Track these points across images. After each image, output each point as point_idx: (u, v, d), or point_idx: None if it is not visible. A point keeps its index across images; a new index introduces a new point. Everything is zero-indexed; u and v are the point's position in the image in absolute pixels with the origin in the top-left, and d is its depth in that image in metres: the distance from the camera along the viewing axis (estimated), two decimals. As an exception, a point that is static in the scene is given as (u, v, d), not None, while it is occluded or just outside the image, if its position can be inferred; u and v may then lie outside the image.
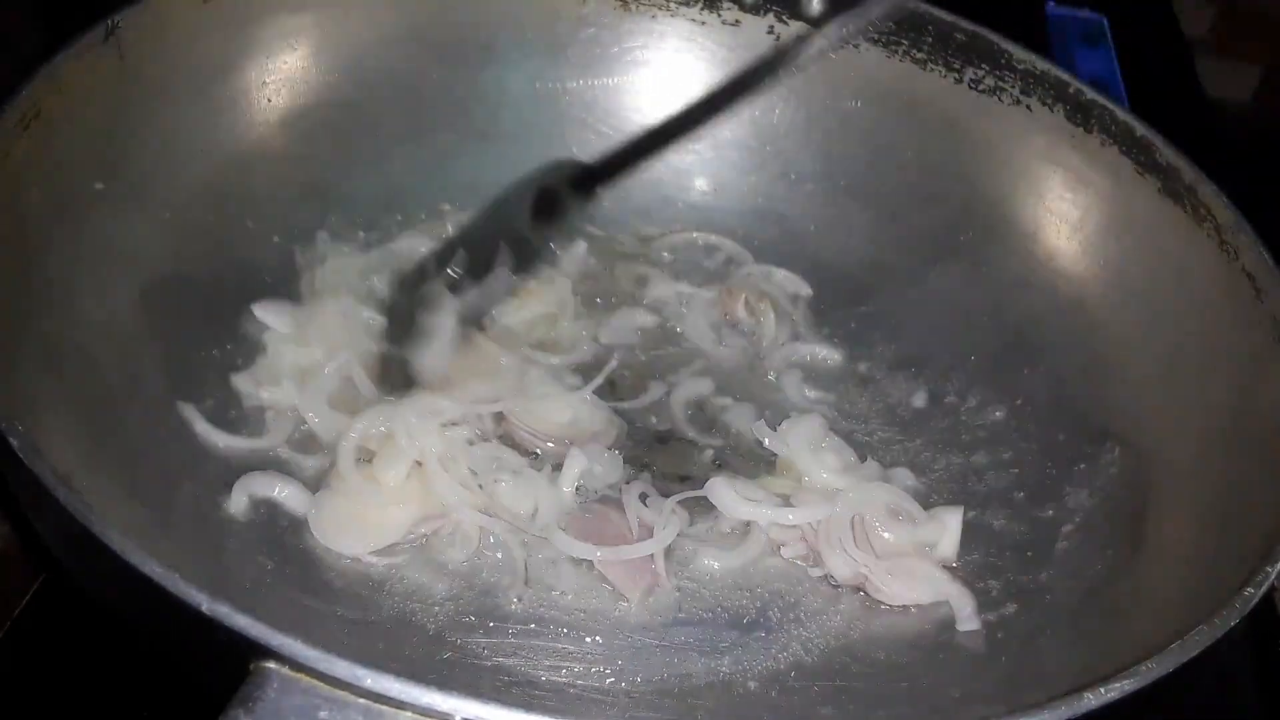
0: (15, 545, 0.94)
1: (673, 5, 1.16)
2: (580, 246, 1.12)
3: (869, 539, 0.90)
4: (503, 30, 1.14)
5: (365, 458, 0.89)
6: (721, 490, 0.92)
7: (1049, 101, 1.07)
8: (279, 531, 0.86)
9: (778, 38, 1.15)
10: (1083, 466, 0.96)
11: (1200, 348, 0.95)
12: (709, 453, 0.99)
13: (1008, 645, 0.86)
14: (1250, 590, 0.70)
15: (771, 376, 1.07)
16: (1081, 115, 1.05)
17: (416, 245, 1.05)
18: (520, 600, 0.86)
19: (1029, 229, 1.09)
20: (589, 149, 1.17)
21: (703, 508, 0.93)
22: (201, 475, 0.87)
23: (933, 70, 1.11)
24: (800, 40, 0.84)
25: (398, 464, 0.88)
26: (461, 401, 0.93)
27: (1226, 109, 2.02)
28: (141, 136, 0.93)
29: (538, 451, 0.95)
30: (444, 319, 0.92)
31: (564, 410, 0.97)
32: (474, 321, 0.95)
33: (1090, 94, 1.05)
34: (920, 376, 1.07)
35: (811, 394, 1.06)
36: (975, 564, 0.93)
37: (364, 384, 0.93)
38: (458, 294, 0.92)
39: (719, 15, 1.16)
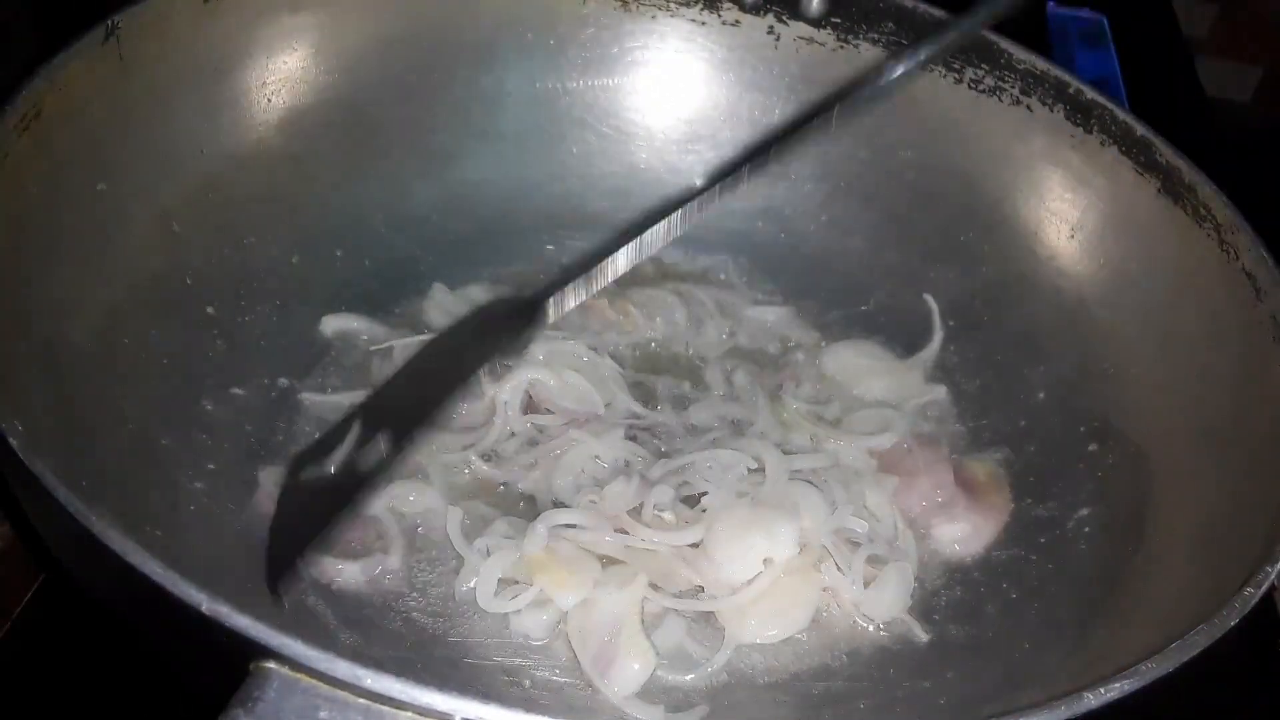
0: (15, 545, 0.94)
1: (673, 5, 1.16)
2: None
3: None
4: (503, 30, 1.13)
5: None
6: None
7: (1049, 101, 1.07)
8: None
9: (777, 38, 1.15)
10: (1083, 466, 0.96)
11: (1200, 347, 0.94)
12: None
13: (1008, 645, 0.86)
14: (1250, 590, 0.69)
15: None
16: (1081, 115, 1.05)
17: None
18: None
19: (1029, 229, 1.09)
20: (589, 149, 1.17)
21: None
22: (201, 474, 0.87)
23: (933, 70, 1.11)
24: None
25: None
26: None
27: (1226, 109, 2.02)
28: (141, 136, 0.93)
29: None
30: None
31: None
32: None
33: (1090, 94, 1.05)
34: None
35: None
36: (975, 563, 0.93)
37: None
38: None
39: (719, 15, 1.16)
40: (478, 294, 1.07)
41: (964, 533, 0.94)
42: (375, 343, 1.01)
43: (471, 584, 0.86)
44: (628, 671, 0.82)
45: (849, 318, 1.12)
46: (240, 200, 1.01)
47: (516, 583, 0.86)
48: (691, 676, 0.84)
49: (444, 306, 1.06)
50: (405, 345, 1.00)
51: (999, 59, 1.09)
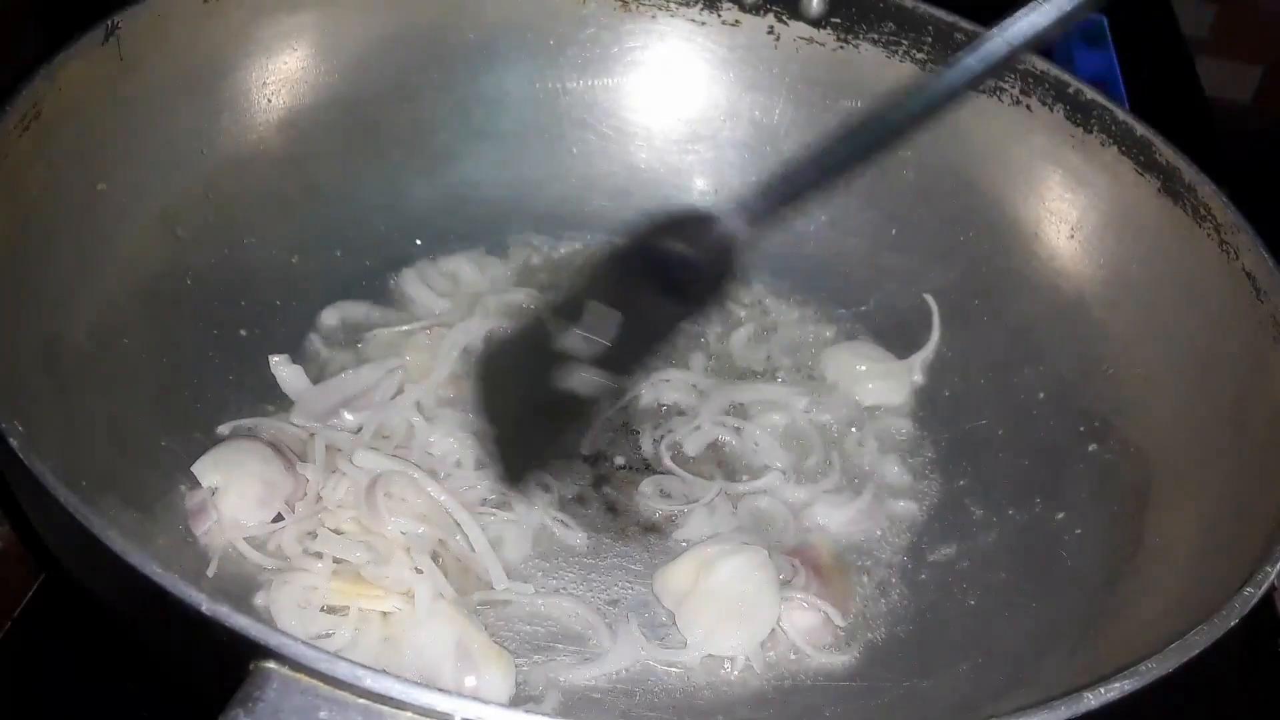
0: (15, 545, 0.94)
1: (673, 5, 1.16)
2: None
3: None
4: (503, 30, 1.13)
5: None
6: None
7: (1049, 101, 1.07)
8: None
9: (777, 38, 1.15)
10: (1083, 467, 0.96)
11: (1200, 348, 0.94)
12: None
13: (1007, 645, 0.86)
14: (1250, 590, 0.69)
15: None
16: (1081, 115, 1.05)
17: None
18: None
19: (1029, 229, 1.09)
20: (589, 149, 1.17)
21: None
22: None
23: (932, 70, 1.11)
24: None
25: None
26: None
27: (1226, 109, 2.02)
28: (142, 136, 0.93)
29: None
30: None
31: None
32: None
33: (1090, 94, 1.05)
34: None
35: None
36: (975, 564, 0.93)
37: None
38: None
39: (719, 15, 1.16)
40: (461, 266, 1.09)
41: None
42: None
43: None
44: None
45: (849, 317, 1.12)
46: (240, 200, 1.01)
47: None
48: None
49: (427, 281, 1.06)
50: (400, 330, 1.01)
51: (999, 59, 1.09)
